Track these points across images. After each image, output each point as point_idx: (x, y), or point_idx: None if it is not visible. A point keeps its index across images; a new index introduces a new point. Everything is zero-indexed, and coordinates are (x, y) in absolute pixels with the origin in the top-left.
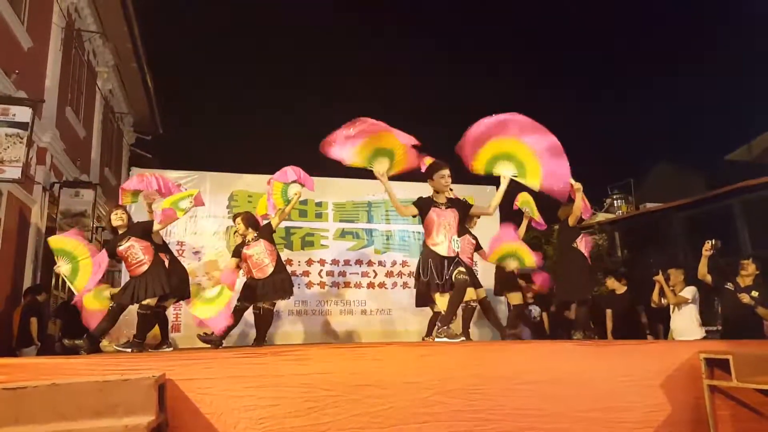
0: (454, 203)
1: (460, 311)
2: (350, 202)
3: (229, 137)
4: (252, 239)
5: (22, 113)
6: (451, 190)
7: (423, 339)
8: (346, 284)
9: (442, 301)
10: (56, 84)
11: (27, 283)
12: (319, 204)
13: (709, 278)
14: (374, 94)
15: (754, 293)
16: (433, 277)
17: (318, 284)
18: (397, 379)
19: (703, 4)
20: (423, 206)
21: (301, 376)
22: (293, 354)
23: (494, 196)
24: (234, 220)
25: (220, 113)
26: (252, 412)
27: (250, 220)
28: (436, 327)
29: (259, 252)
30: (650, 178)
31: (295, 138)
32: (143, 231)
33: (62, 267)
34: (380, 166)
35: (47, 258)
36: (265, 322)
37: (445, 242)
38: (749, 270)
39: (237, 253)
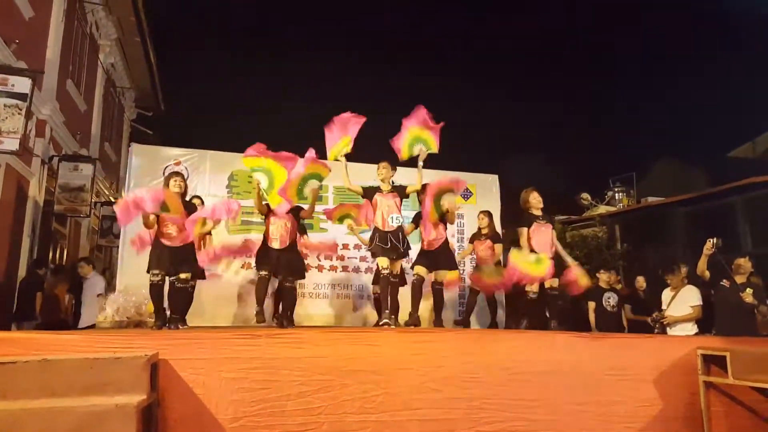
0: (395, 189)
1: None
2: None
3: (231, 116)
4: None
5: (22, 84)
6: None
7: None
8: (344, 268)
9: (382, 261)
10: (57, 56)
11: (24, 256)
12: (319, 187)
13: (707, 275)
14: (377, 76)
15: (749, 290)
16: (378, 244)
17: (316, 267)
18: (391, 365)
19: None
20: (369, 193)
21: (296, 359)
22: (288, 337)
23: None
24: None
25: (222, 91)
26: (245, 394)
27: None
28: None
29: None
30: (653, 173)
31: (298, 118)
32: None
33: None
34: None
35: (44, 231)
36: (288, 299)
37: (384, 218)
38: (745, 268)
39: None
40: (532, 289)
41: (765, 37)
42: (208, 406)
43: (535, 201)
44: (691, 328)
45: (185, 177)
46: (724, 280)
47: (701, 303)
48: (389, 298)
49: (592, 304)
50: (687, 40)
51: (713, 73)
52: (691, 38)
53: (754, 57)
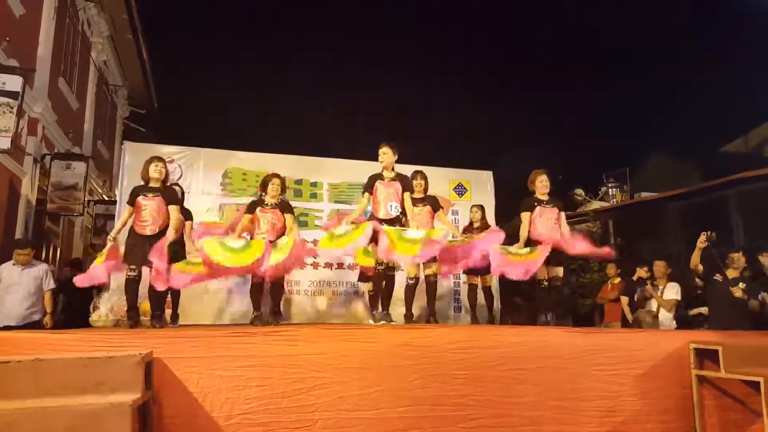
0: (398, 178)
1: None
2: (345, 182)
3: (224, 113)
4: (272, 205)
5: (13, 82)
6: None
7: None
8: (340, 266)
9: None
10: (49, 53)
11: None
12: (314, 184)
13: (701, 268)
14: (372, 72)
15: (741, 285)
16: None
17: (311, 265)
18: (385, 362)
19: None
20: (370, 181)
21: (290, 357)
22: (283, 334)
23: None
24: (272, 179)
25: (215, 89)
26: (240, 392)
27: (283, 187)
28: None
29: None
30: (646, 168)
31: (291, 116)
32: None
33: None
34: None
35: (37, 230)
36: (277, 294)
37: (383, 207)
38: (739, 263)
39: (252, 210)
40: (543, 277)
41: (758, 32)
42: (202, 404)
43: (540, 184)
44: (670, 323)
45: (167, 165)
46: (717, 275)
47: (678, 299)
48: (386, 294)
49: (625, 299)
50: (680, 35)
51: (706, 68)
52: (684, 33)
53: (747, 52)
